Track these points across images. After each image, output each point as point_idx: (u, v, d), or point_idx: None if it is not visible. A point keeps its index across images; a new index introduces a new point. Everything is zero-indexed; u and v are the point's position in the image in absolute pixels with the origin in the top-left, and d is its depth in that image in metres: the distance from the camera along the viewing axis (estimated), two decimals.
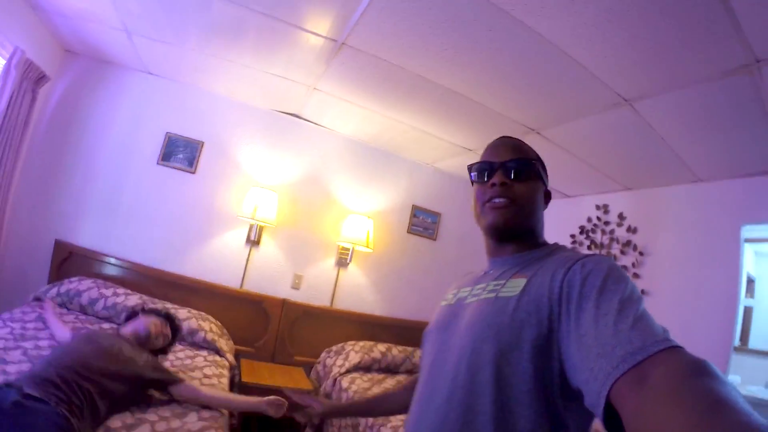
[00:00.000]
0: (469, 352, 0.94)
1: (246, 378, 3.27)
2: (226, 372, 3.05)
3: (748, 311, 4.00)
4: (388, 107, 3.37)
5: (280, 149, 4.15)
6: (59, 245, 3.55)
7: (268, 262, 4.07)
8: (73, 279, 3.32)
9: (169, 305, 3.40)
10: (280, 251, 4.12)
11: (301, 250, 4.19)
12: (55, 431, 1.62)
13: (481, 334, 0.94)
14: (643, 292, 3.18)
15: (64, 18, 3.11)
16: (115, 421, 1.97)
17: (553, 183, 2.10)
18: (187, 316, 3.34)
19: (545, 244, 1.12)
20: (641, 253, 3.41)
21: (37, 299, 3.12)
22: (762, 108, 2.14)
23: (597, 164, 3.36)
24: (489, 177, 1.11)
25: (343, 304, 4.30)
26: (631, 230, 3.53)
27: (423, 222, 4.66)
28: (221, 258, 3.93)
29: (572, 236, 4.01)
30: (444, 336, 1.07)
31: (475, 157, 3.80)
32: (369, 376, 3.59)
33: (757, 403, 3.38)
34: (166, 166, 3.85)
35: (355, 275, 4.37)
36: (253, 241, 3.98)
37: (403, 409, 1.23)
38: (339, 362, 3.68)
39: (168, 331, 2.55)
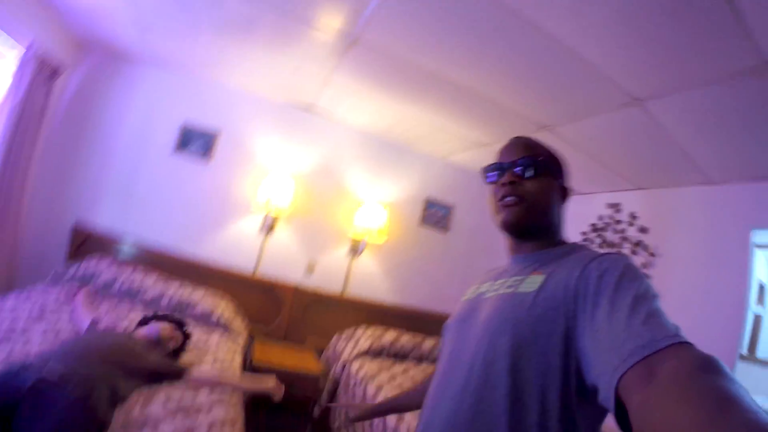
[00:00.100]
0: (486, 344, 0.96)
1: (258, 360, 3.35)
2: (239, 352, 3.13)
3: (758, 319, 3.91)
4: (400, 101, 3.39)
5: (294, 140, 4.20)
6: (77, 228, 3.67)
7: (281, 250, 4.14)
8: (91, 260, 3.42)
9: (185, 287, 3.50)
10: (294, 239, 4.19)
11: (314, 239, 4.25)
12: (72, 417, 1.65)
13: (498, 328, 0.95)
14: None
15: (77, 13, 3.19)
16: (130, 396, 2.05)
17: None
18: (203, 297, 3.44)
19: (565, 242, 1.13)
20: (652, 254, 3.37)
21: (57, 279, 3.23)
22: None
23: (609, 162, 3.35)
24: (500, 177, 1.14)
25: (355, 292, 4.36)
26: (643, 230, 3.49)
27: (435, 214, 4.69)
28: (236, 244, 4.02)
29: (583, 234, 3.98)
30: (463, 328, 1.09)
31: (488, 152, 3.85)
32: (378, 361, 3.64)
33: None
34: (182, 155, 3.93)
35: (367, 264, 4.42)
36: (268, 229, 4.05)
37: None
38: (349, 347, 3.75)
39: (179, 335, 2.63)
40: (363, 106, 3.74)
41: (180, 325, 2.67)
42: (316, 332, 4.14)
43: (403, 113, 3.64)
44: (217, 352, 2.93)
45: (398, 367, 3.63)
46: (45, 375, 1.72)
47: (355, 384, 3.28)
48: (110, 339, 2.23)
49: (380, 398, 2.94)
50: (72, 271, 3.29)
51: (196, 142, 3.96)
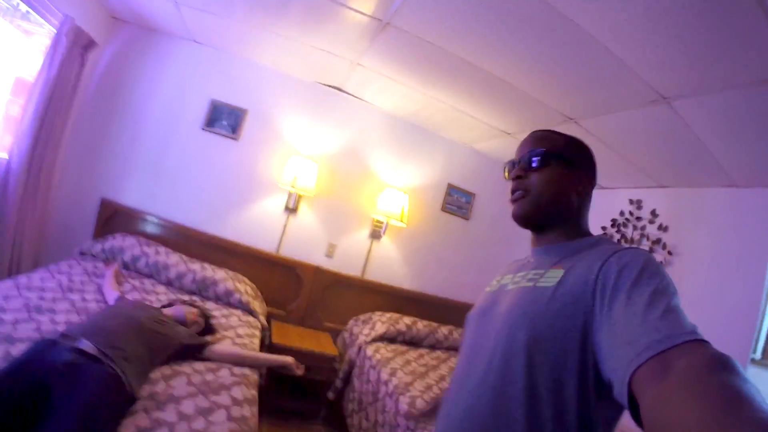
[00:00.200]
0: (505, 338, 0.97)
1: (276, 339, 3.43)
2: (257, 332, 3.20)
3: None
4: (428, 86, 3.39)
5: (321, 120, 4.21)
6: (105, 203, 3.75)
7: (304, 230, 4.18)
8: (116, 236, 3.51)
9: (206, 266, 3.57)
10: (317, 220, 4.22)
11: (336, 220, 4.28)
12: (107, 390, 1.70)
13: (516, 322, 0.96)
14: None
15: None
16: (155, 373, 2.12)
17: None
18: (224, 277, 3.51)
19: (588, 234, 1.13)
20: (670, 253, 3.35)
21: (83, 254, 3.33)
22: None
23: (633, 159, 3.31)
24: (511, 172, 1.17)
25: (374, 275, 4.39)
26: (663, 228, 3.46)
27: (457, 201, 4.67)
28: (259, 223, 4.07)
29: (603, 228, 3.95)
30: (483, 321, 1.11)
31: (512, 141, 3.84)
32: (393, 347, 3.69)
33: None
34: (210, 131, 3.97)
35: (387, 248, 4.44)
36: (291, 209, 4.09)
37: None
38: (365, 331, 3.80)
39: (202, 321, 2.71)
40: (391, 90, 3.73)
41: (204, 314, 2.76)
42: (334, 315, 4.20)
43: (430, 98, 3.63)
44: (236, 331, 3.01)
45: (413, 353, 3.69)
46: (83, 350, 1.78)
47: (369, 367, 3.33)
48: (141, 311, 2.32)
49: (394, 382, 3.00)
50: (98, 246, 3.38)
51: (224, 118, 3.99)
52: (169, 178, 3.91)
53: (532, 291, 0.99)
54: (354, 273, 4.33)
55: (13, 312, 2.17)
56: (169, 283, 3.34)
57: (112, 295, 2.67)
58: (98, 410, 1.61)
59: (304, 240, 4.18)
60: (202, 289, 3.39)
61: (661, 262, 3.28)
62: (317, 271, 4.13)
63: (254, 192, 4.07)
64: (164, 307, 2.71)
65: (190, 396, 2.05)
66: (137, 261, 3.36)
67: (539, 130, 1.20)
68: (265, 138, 4.09)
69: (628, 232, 3.76)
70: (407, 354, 3.63)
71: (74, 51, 3.18)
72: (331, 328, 4.14)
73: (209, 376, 2.30)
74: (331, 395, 3.56)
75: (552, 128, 1.23)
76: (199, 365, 2.38)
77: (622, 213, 3.89)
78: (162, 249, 3.53)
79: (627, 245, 0.99)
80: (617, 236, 3.84)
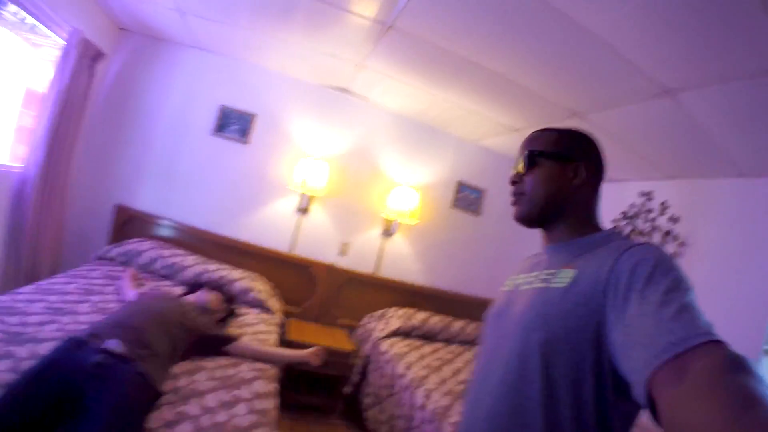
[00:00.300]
0: (520, 340, 0.97)
1: (292, 336, 3.48)
2: (274, 330, 3.24)
3: None
4: (433, 85, 3.42)
5: (329, 122, 4.26)
6: (119, 209, 3.83)
7: (316, 230, 4.23)
8: (133, 240, 3.59)
9: (223, 266, 3.63)
10: (329, 219, 4.27)
11: (348, 219, 4.33)
12: (136, 390, 1.74)
13: (530, 323, 0.96)
14: None
15: None
16: (178, 368, 2.18)
17: None
18: (241, 277, 3.57)
19: (598, 228, 1.12)
20: (681, 244, 3.32)
21: (101, 258, 3.39)
22: None
23: (641, 151, 3.32)
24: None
25: (387, 272, 4.43)
26: (673, 219, 3.44)
27: (467, 197, 4.69)
28: (272, 224, 4.12)
29: (614, 221, 3.94)
30: (500, 321, 1.11)
31: (520, 137, 3.84)
32: (408, 341, 3.73)
33: None
34: (221, 136, 4.03)
35: (399, 245, 4.48)
36: (303, 210, 4.14)
37: None
38: (380, 327, 3.84)
39: (225, 307, 2.78)
40: (397, 90, 3.76)
41: (228, 297, 2.80)
42: (348, 312, 4.25)
43: (436, 97, 3.66)
44: (255, 328, 3.07)
45: (427, 347, 3.73)
46: (109, 347, 1.82)
47: (385, 362, 3.38)
48: (164, 303, 2.37)
49: (409, 375, 3.04)
50: (115, 251, 3.45)
51: (234, 124, 4.05)
52: (181, 182, 3.98)
53: (545, 292, 1.00)
54: (367, 270, 4.37)
55: (37, 314, 2.23)
56: (185, 284, 3.37)
57: (131, 294, 2.71)
58: (128, 409, 1.66)
59: (317, 239, 4.23)
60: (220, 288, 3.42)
61: (673, 253, 3.30)
62: (330, 270, 4.18)
63: (266, 194, 4.13)
64: (189, 291, 2.78)
65: (212, 390, 2.11)
66: (154, 263, 3.42)
67: (534, 132, 1.22)
68: (274, 141, 4.15)
69: (639, 224, 3.74)
70: (422, 348, 3.66)
71: (83, 62, 3.25)
72: (346, 324, 4.19)
73: (230, 371, 2.36)
74: (347, 390, 3.60)
75: (558, 123, 1.25)
76: (221, 360, 2.44)
77: (632, 205, 3.87)
78: (178, 251, 3.61)
79: (638, 239, 0.99)
80: (628, 228, 3.81)
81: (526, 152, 1.16)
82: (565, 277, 0.97)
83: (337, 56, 3.37)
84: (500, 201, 4.76)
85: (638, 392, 0.70)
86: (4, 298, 2.31)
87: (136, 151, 3.92)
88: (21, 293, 2.43)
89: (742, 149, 2.75)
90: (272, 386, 2.40)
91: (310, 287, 4.14)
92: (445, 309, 4.40)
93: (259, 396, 2.21)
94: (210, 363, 2.37)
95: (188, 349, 2.30)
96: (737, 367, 0.61)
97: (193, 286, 2.86)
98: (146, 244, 3.54)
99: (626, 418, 0.89)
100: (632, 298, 0.79)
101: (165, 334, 2.13)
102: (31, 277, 3.13)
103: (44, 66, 3.23)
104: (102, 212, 3.83)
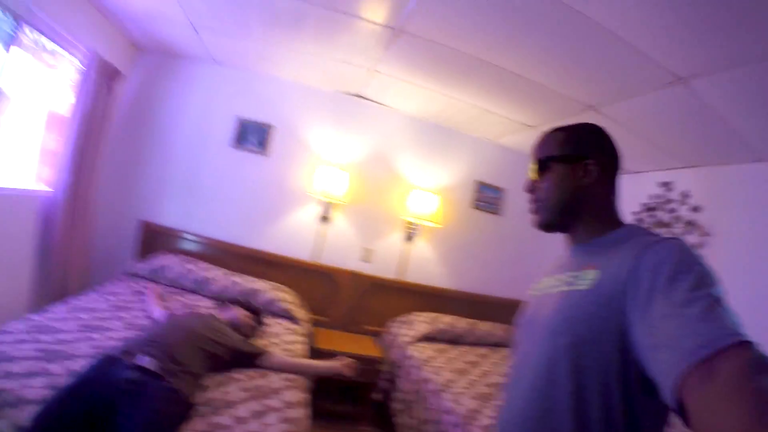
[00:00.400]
0: (547, 343, 0.98)
1: (320, 345, 3.50)
2: (302, 339, 3.27)
3: None
4: (447, 87, 3.43)
5: (346, 129, 4.28)
6: (144, 225, 3.89)
7: (338, 237, 4.25)
8: (159, 255, 3.64)
9: (248, 278, 3.68)
10: (350, 226, 4.29)
11: (369, 225, 4.34)
12: (168, 404, 1.79)
13: (557, 327, 0.97)
14: None
15: (132, 19, 3.36)
16: (209, 380, 2.21)
17: None
18: (267, 288, 3.62)
19: (619, 223, 1.11)
20: (705, 234, 3.24)
21: (129, 274, 3.45)
22: None
23: (658, 141, 3.28)
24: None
25: (410, 276, 4.43)
26: (695, 209, 3.36)
27: (487, 197, 4.67)
28: (294, 233, 4.15)
29: (635, 213, 3.87)
30: (529, 328, 1.12)
31: (536, 134, 3.82)
32: (434, 345, 3.73)
33: None
34: (240, 149, 4.08)
35: (422, 249, 4.47)
36: (324, 217, 4.16)
37: None
38: (407, 332, 3.84)
39: (254, 323, 2.80)
40: (411, 93, 3.77)
41: (257, 314, 2.83)
42: (374, 318, 4.25)
43: (450, 98, 3.66)
44: (283, 338, 3.10)
45: (454, 351, 3.72)
46: (144, 367, 1.86)
47: (412, 367, 3.36)
48: (194, 321, 2.41)
49: (437, 380, 3.04)
50: (142, 266, 3.51)
51: (252, 135, 4.09)
52: (203, 196, 4.03)
53: (569, 296, 1.00)
54: (391, 275, 4.37)
55: (70, 332, 2.28)
56: (213, 297, 3.43)
57: (159, 314, 2.75)
58: (160, 424, 1.69)
59: (340, 247, 4.25)
60: (246, 299, 3.45)
61: (696, 244, 3.24)
62: (354, 276, 4.19)
63: (287, 204, 4.17)
64: (219, 306, 2.82)
65: (243, 401, 2.13)
66: (181, 278, 3.48)
67: (542, 135, 1.22)
68: (293, 151, 4.18)
69: (660, 215, 3.67)
70: (449, 352, 3.66)
71: (102, 82, 3.32)
72: (372, 330, 4.20)
73: (261, 381, 2.38)
74: (377, 396, 3.60)
75: (573, 117, 1.25)
76: (250, 372, 2.46)
77: (652, 197, 3.80)
78: (203, 265, 3.67)
79: (659, 233, 0.98)
80: (650, 221, 3.74)
81: (535, 160, 1.17)
82: (587, 278, 0.97)
83: (349, 62, 3.40)
84: (520, 199, 4.64)
85: (666, 395, 0.69)
86: (37, 317, 2.36)
87: (158, 167, 3.99)
88: (53, 312, 2.48)
89: (758, 134, 2.71)
90: (303, 395, 2.42)
91: (335, 295, 4.15)
92: (470, 311, 4.39)
93: (290, 405, 2.23)
94: (240, 374, 2.39)
95: (221, 365, 2.33)
96: (764, 369, 0.61)
97: (222, 304, 2.90)
98: (172, 259, 3.60)
99: (657, 416, 0.88)
100: (656, 298, 0.78)
101: (196, 350, 2.16)
102: (61, 295, 3.19)
103: (62, 87, 3.29)
104: (127, 229, 3.91)
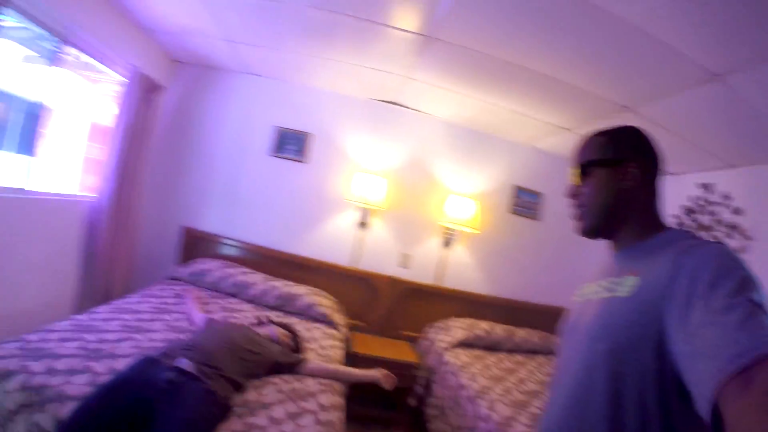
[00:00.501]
0: (586, 350, 0.98)
1: (357, 350, 3.53)
2: (339, 344, 3.30)
3: None
4: (481, 92, 3.42)
5: (382, 135, 4.30)
6: (186, 231, 4.02)
7: (377, 243, 4.27)
8: (200, 260, 3.74)
9: (287, 283, 3.74)
10: (388, 232, 4.30)
11: (407, 231, 4.34)
12: (205, 405, 1.82)
13: (596, 334, 0.97)
14: None
15: (170, 34, 3.49)
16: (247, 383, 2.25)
17: None
18: (305, 292, 3.67)
19: (662, 227, 1.09)
20: (747, 238, 3.10)
21: (171, 278, 3.56)
22: None
23: (696, 140, 3.18)
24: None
25: (448, 282, 4.40)
26: (737, 212, 3.22)
27: (525, 202, 4.60)
28: (333, 239, 4.20)
29: (675, 216, 3.74)
30: (571, 334, 1.12)
31: (572, 137, 3.79)
32: (471, 352, 3.70)
33: None
34: (279, 157, 4.16)
35: (459, 255, 4.45)
36: (363, 223, 4.18)
37: None
38: (444, 338, 3.81)
39: (291, 342, 2.83)
40: (445, 99, 3.77)
41: (294, 335, 2.86)
42: (411, 324, 4.24)
43: (484, 103, 3.65)
44: (320, 343, 3.13)
45: (491, 357, 3.68)
46: (183, 369, 1.90)
47: (449, 373, 3.34)
48: (233, 330, 2.45)
49: (473, 386, 3.01)
50: (184, 271, 3.62)
51: (290, 143, 4.17)
52: (243, 203, 4.13)
53: (610, 302, 0.99)
54: (429, 281, 4.35)
55: (113, 332, 2.36)
56: (252, 301, 3.51)
57: (199, 318, 2.81)
58: (198, 424, 1.72)
59: (378, 252, 4.27)
60: (285, 304, 3.55)
61: (738, 248, 3.12)
62: (392, 282, 4.19)
63: (326, 210, 4.21)
64: (258, 324, 2.85)
65: (279, 402, 2.16)
66: (222, 282, 3.56)
67: (583, 139, 1.21)
68: (331, 158, 4.23)
69: (701, 218, 3.54)
70: (486, 359, 3.62)
71: (143, 96, 3.47)
72: (409, 336, 4.18)
73: (297, 384, 2.41)
74: (412, 402, 3.59)
75: (608, 119, 1.23)
76: (286, 375, 2.49)
77: (692, 199, 3.66)
78: (244, 270, 3.74)
79: (700, 238, 0.95)
80: (691, 224, 3.61)
81: (577, 165, 1.16)
82: (628, 284, 0.96)
83: (383, 70, 3.43)
84: (559, 204, 4.61)
85: (701, 406, 0.68)
86: (82, 317, 2.45)
87: (199, 175, 4.11)
88: (98, 312, 2.57)
89: None
90: (338, 399, 2.44)
91: (373, 300, 4.16)
92: (507, 318, 4.33)
93: (325, 408, 2.24)
94: (276, 378, 2.43)
95: (259, 374, 2.36)
96: None
97: (260, 324, 2.94)
98: (213, 264, 3.69)
99: (694, 423, 0.83)
100: (695, 305, 0.76)
101: (234, 358, 2.20)
102: (106, 297, 3.32)
103: (105, 100, 3.42)
104: (170, 235, 4.04)
